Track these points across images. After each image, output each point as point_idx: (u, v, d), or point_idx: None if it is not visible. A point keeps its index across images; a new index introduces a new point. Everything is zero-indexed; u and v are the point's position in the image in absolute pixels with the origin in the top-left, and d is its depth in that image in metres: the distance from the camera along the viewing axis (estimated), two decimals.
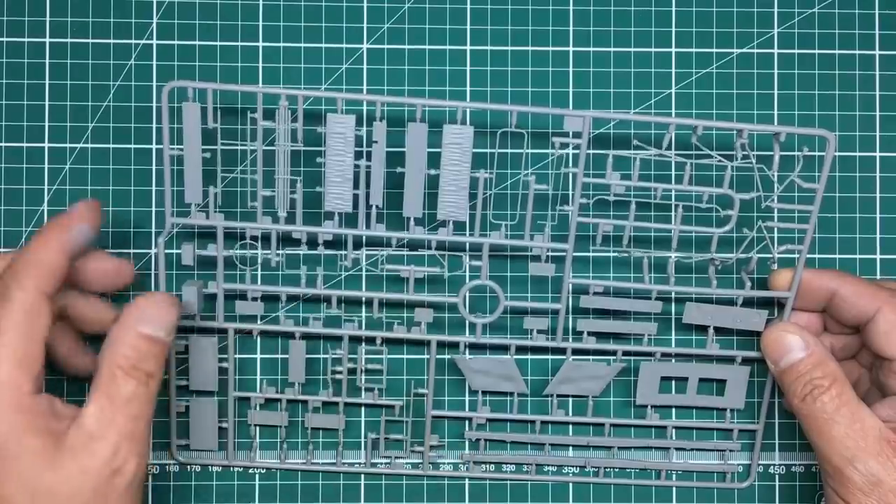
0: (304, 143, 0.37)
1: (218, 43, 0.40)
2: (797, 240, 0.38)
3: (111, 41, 0.40)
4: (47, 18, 0.39)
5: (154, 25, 0.40)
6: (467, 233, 0.39)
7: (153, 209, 0.39)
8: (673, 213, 0.38)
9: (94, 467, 0.32)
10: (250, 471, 0.41)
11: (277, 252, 0.38)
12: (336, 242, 0.39)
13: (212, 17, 0.40)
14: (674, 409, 0.41)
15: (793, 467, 0.41)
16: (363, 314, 0.40)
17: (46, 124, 0.39)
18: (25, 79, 0.39)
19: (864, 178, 0.41)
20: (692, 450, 0.41)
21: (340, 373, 0.40)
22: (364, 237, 0.38)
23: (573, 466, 0.41)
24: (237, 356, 0.40)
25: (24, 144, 0.39)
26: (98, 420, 0.33)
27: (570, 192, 0.39)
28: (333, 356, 0.40)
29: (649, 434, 0.41)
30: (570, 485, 0.41)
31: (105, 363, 0.33)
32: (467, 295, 0.39)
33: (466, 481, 0.41)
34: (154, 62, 0.40)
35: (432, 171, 0.37)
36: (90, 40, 0.40)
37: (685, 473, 0.41)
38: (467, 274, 0.40)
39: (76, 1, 0.39)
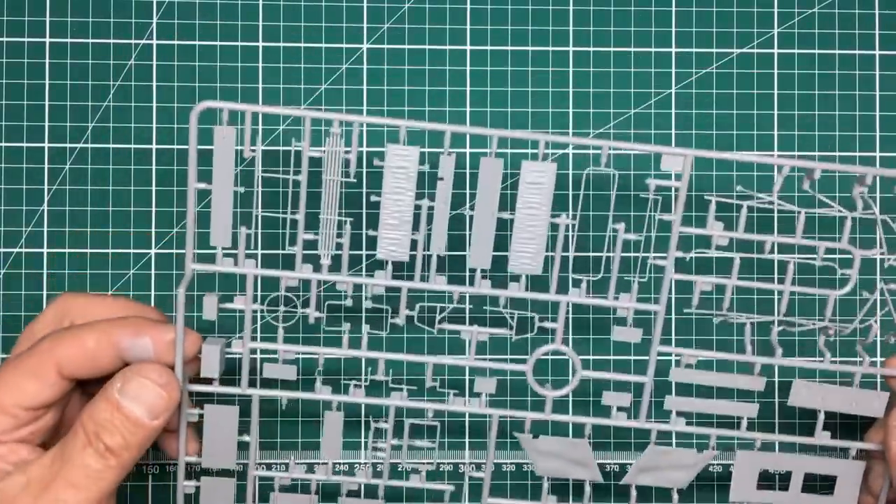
0: (356, 179, 0.33)
1: (218, 43, 0.40)
2: None
3: (111, 41, 0.40)
4: (47, 18, 0.39)
5: (154, 25, 0.40)
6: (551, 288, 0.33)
7: (153, 209, 0.39)
8: (781, 269, 0.34)
9: None
10: None
11: (320, 301, 0.33)
12: (383, 297, 0.34)
13: (212, 17, 0.40)
14: None
15: None
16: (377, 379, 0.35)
17: (46, 124, 0.39)
18: (25, 79, 0.39)
19: None
20: None
21: (382, 450, 0.35)
22: (423, 293, 0.34)
23: None
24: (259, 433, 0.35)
25: (24, 144, 0.39)
26: (41, 472, 0.31)
27: (646, 240, 0.34)
28: (375, 427, 0.35)
29: None
30: None
31: (80, 417, 0.31)
32: (540, 364, 0.34)
33: None
34: (154, 62, 0.39)
35: (506, 215, 0.32)
36: (90, 40, 0.40)
37: None
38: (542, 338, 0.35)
39: (76, 1, 0.39)
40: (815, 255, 0.33)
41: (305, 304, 0.34)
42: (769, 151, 0.40)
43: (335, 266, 0.33)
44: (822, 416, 0.35)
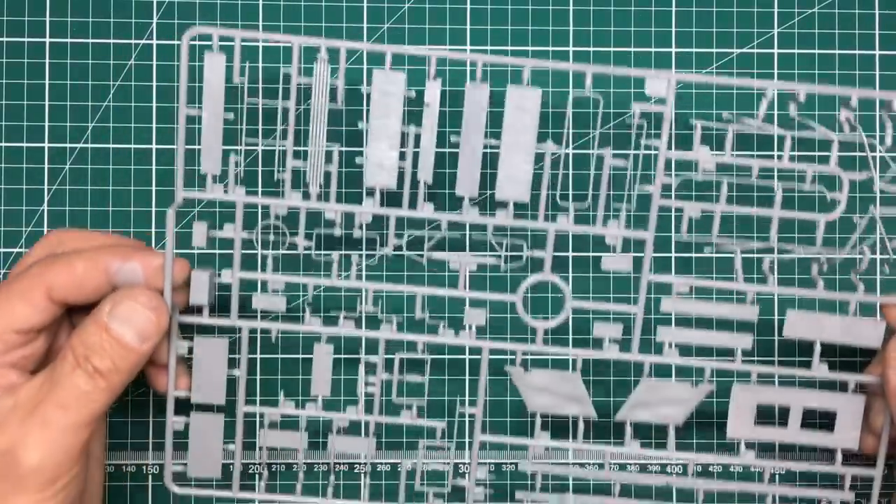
0: (344, 106, 0.32)
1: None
2: None
3: (111, 41, 0.40)
4: (47, 18, 0.39)
5: (154, 25, 0.40)
6: (542, 216, 0.33)
7: (153, 209, 0.39)
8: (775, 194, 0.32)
9: None
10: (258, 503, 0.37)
11: (308, 233, 0.33)
12: (374, 226, 0.34)
13: (212, 17, 0.40)
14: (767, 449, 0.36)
15: None
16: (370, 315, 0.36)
17: (46, 124, 0.39)
18: (25, 79, 0.39)
19: None
20: (795, 499, 0.35)
21: (373, 384, 0.34)
22: (412, 219, 0.33)
23: None
24: (251, 372, 0.34)
25: (24, 144, 0.39)
26: (29, 395, 0.31)
27: (636, 170, 0.34)
28: (368, 362, 0.34)
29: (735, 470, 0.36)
30: None
31: (69, 340, 0.31)
32: (529, 294, 0.34)
33: None
34: (154, 62, 0.40)
35: (492, 142, 0.32)
36: (90, 40, 0.40)
37: None
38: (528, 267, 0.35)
39: (76, 1, 0.39)
40: (803, 181, 0.33)
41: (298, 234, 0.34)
42: (769, 151, 0.40)
43: (322, 197, 0.33)
44: (818, 347, 0.34)
